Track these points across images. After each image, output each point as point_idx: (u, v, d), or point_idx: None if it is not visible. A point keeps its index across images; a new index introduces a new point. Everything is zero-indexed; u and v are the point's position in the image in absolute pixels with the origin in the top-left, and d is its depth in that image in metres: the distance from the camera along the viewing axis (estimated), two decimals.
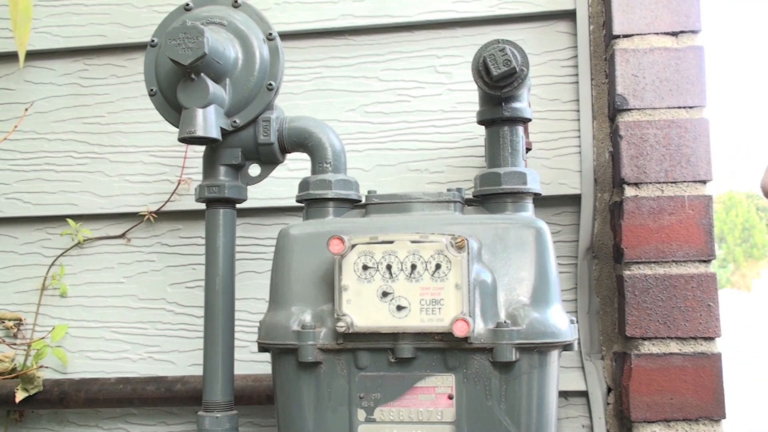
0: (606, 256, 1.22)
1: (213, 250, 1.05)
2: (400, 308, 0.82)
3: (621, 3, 1.17)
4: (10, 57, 1.39)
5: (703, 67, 1.15)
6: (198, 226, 1.33)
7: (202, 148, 1.09)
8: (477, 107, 0.98)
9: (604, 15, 1.23)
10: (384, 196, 0.94)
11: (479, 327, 0.82)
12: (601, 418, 1.18)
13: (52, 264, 1.35)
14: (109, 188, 1.34)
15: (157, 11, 1.35)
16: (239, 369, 1.14)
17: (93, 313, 1.34)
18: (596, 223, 1.22)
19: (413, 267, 0.82)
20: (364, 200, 0.96)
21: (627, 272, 1.13)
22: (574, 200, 1.23)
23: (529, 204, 0.93)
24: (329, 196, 0.96)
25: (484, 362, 0.82)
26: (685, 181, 1.14)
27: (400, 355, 0.83)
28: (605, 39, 1.22)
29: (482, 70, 0.90)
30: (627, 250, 1.13)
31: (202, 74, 0.95)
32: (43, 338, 1.32)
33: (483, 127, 0.98)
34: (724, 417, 1.10)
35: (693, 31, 1.16)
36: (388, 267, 0.83)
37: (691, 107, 1.15)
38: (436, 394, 0.83)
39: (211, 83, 0.95)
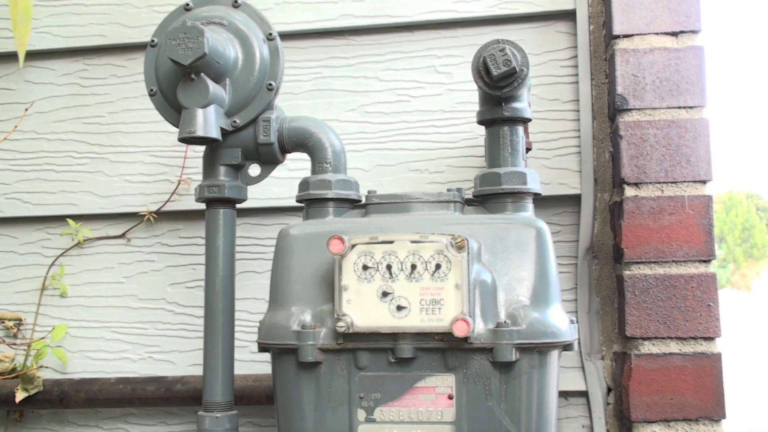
0: (606, 256, 1.22)
1: (213, 250, 1.05)
2: (400, 308, 0.82)
3: (621, 3, 1.17)
4: (10, 57, 1.39)
5: (703, 67, 1.15)
6: (198, 226, 1.33)
7: (202, 148, 1.09)
8: (477, 107, 0.98)
9: (604, 15, 1.23)
10: (384, 196, 0.94)
11: (479, 327, 0.82)
12: (601, 418, 1.18)
13: (52, 264, 1.35)
14: (109, 188, 1.34)
15: (157, 11, 1.35)
16: (239, 369, 1.14)
17: (93, 313, 1.34)
18: (596, 223, 1.22)
19: (413, 267, 0.82)
20: (364, 200, 0.96)
21: (627, 272, 1.13)
22: (574, 200, 1.23)
23: (529, 204, 0.93)
24: (329, 196, 0.96)
25: (484, 362, 0.82)
26: (685, 181, 1.14)
27: (400, 355, 0.83)
28: (605, 39, 1.22)
29: (482, 70, 0.90)
30: (627, 250, 1.13)
31: (202, 74, 0.95)
32: (43, 338, 1.32)
33: (483, 127, 0.98)
34: (724, 417, 1.10)
35: (693, 31, 1.16)
36: (388, 267, 0.83)
37: (691, 107, 1.15)
38: (436, 394, 0.83)
39: (211, 83, 0.95)
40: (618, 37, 1.17)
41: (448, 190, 0.94)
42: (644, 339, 1.12)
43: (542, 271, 0.86)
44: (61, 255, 1.35)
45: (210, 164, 1.04)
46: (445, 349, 0.83)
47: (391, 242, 0.83)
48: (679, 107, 1.15)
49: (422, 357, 0.84)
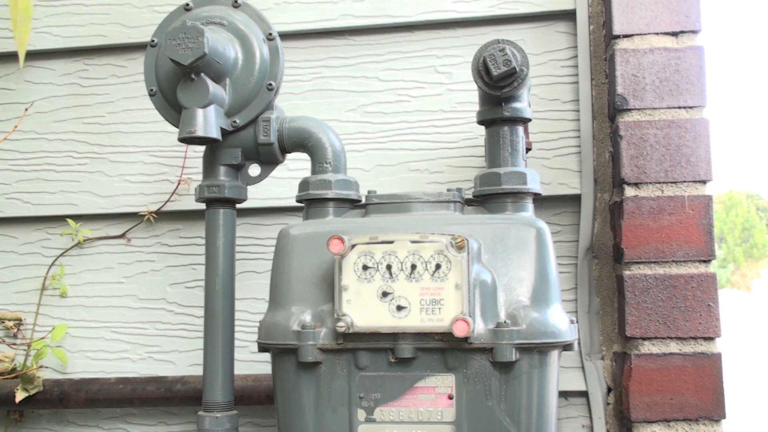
0: (606, 256, 1.22)
1: (213, 250, 1.05)
2: (400, 308, 0.82)
3: (621, 3, 1.17)
4: (10, 57, 1.39)
5: (703, 67, 1.15)
6: (198, 226, 1.33)
7: (202, 148, 1.09)
8: (477, 107, 0.98)
9: (604, 15, 1.23)
10: (384, 196, 0.94)
11: (479, 327, 0.82)
12: (601, 418, 1.18)
13: (52, 264, 1.35)
14: (109, 188, 1.34)
15: (157, 11, 1.35)
16: (239, 369, 1.14)
17: (93, 313, 1.34)
18: (596, 223, 1.22)
19: (413, 267, 0.82)
20: (364, 200, 0.96)
21: (627, 272, 1.13)
22: (574, 200, 1.23)
23: (529, 204, 0.93)
24: (329, 196, 0.96)
25: (484, 362, 0.82)
26: (685, 181, 1.14)
27: (400, 355, 0.83)
28: (605, 39, 1.22)
29: (482, 70, 0.90)
30: (627, 250, 1.13)
31: (202, 74, 0.95)
32: (43, 338, 1.32)
33: (483, 127, 0.98)
34: (724, 417, 1.10)
35: (693, 31, 1.16)
36: (388, 267, 0.83)
37: (691, 107, 1.15)
38: (436, 394, 0.83)
39: (211, 83, 0.95)
40: (618, 37, 1.17)
41: (448, 190, 0.94)
42: (644, 339, 1.12)
43: (542, 271, 0.86)
44: (61, 255, 1.35)
45: (210, 164, 1.04)
46: (445, 349, 0.83)
47: (391, 242, 0.83)
48: (679, 107, 1.15)
49: (422, 357, 0.84)
